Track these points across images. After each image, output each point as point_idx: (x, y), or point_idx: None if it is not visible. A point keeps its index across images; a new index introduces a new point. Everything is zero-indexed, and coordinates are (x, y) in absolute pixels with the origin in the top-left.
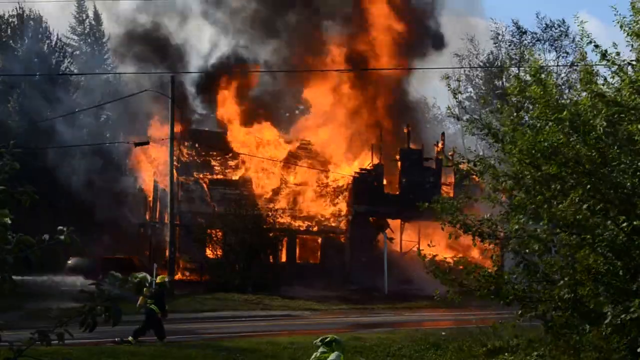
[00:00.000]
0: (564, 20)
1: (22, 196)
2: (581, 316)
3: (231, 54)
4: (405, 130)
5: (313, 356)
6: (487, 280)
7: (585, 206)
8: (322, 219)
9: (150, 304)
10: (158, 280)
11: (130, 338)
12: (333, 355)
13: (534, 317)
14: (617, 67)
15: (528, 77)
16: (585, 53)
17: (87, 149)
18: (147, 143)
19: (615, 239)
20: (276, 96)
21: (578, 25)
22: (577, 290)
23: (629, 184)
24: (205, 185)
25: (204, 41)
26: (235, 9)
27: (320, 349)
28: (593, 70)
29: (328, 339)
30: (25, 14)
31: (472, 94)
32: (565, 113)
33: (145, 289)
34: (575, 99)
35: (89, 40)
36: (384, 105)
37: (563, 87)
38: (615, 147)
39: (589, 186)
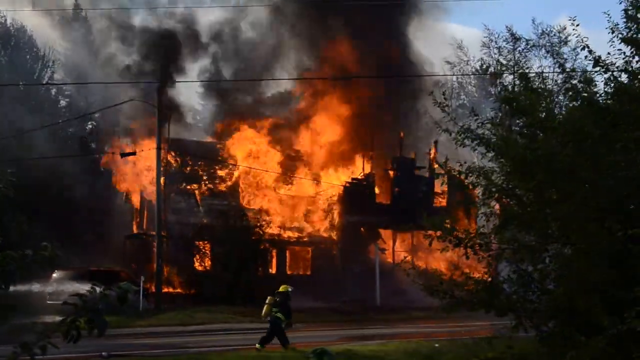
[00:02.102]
0: (564, 27)
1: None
2: (577, 327)
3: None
4: (401, 135)
5: None
6: (481, 292)
7: (580, 214)
8: (313, 229)
9: (276, 312)
10: (282, 289)
11: (257, 345)
12: None
13: (528, 329)
14: (610, 74)
15: (519, 85)
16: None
17: (73, 159)
18: (133, 153)
19: (612, 248)
20: (266, 103)
21: (573, 30)
22: (573, 300)
23: (624, 192)
24: (194, 196)
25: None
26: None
27: None
28: (588, 77)
29: (319, 350)
30: (8, 23)
31: (465, 101)
32: (556, 122)
33: (269, 297)
34: (569, 105)
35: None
36: (375, 113)
37: (559, 93)
38: (611, 155)
39: (583, 194)
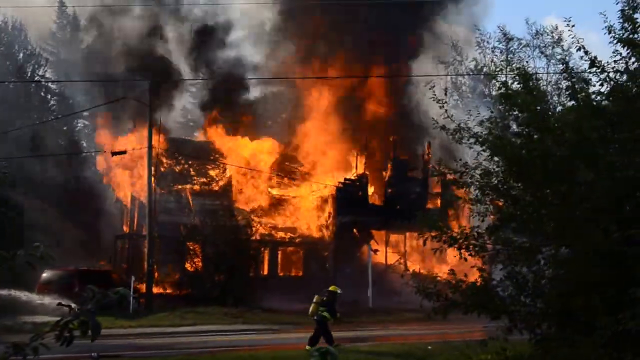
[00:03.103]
0: (556, 27)
1: None
2: (572, 328)
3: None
4: (392, 139)
5: None
6: (474, 294)
7: (576, 215)
8: (305, 230)
9: (323, 312)
10: (331, 289)
11: (307, 347)
12: None
13: (522, 331)
14: (606, 74)
15: (515, 85)
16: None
17: (63, 158)
18: (124, 152)
19: (608, 249)
20: (262, 104)
21: (568, 30)
22: (569, 301)
23: (621, 192)
24: (185, 196)
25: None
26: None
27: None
28: (585, 78)
29: (323, 350)
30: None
31: (458, 102)
32: (552, 122)
33: (317, 296)
34: (565, 105)
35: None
36: (369, 113)
37: (553, 94)
38: (607, 156)
39: (580, 195)
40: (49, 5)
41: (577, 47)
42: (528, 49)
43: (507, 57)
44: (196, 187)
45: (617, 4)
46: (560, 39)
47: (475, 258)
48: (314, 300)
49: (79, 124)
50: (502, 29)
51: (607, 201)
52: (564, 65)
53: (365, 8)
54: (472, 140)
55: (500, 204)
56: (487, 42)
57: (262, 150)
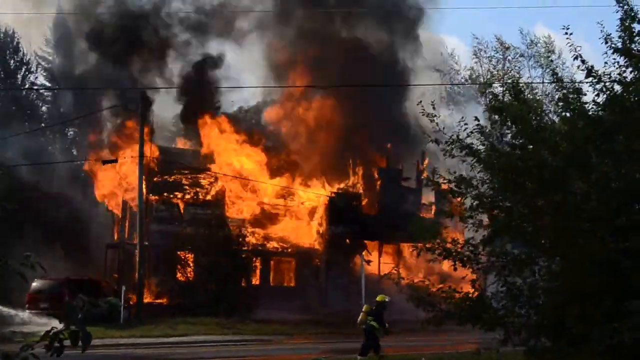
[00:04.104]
0: (549, 36)
1: None
2: (567, 340)
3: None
4: (389, 146)
5: None
6: (469, 305)
7: (571, 226)
8: (297, 240)
9: (371, 321)
10: (379, 298)
11: (359, 358)
12: None
13: (517, 343)
14: (602, 84)
15: (508, 96)
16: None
17: (53, 166)
18: (115, 161)
19: (603, 260)
20: (253, 112)
21: (566, 38)
22: (563, 313)
23: (615, 203)
24: (177, 205)
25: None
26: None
27: None
28: (578, 88)
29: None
30: None
31: (453, 112)
32: (547, 132)
33: (366, 306)
34: (560, 115)
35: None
36: (363, 123)
37: (548, 104)
38: (602, 167)
39: (574, 206)
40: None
41: (574, 56)
42: (523, 58)
43: (503, 66)
44: (188, 196)
45: (616, 12)
46: (553, 50)
47: (469, 269)
48: (363, 309)
49: (70, 132)
50: (499, 38)
51: (601, 211)
52: (554, 75)
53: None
54: (464, 152)
55: (495, 214)
56: (484, 51)
57: (255, 160)
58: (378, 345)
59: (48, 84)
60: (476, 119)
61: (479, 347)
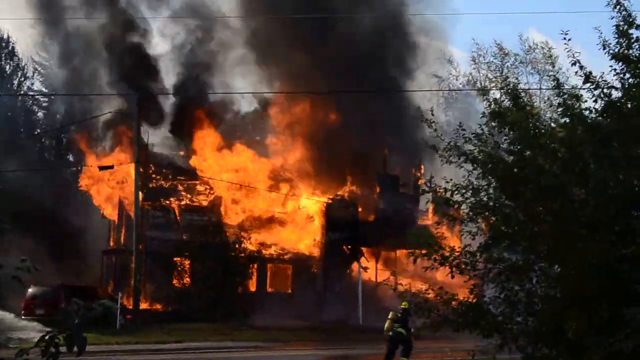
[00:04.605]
0: (547, 42)
1: None
2: (564, 348)
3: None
4: (386, 152)
5: None
6: (466, 311)
7: (569, 232)
8: (294, 246)
9: (398, 328)
10: (403, 305)
11: None
12: None
13: (514, 350)
14: (600, 90)
15: (506, 102)
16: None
17: (49, 172)
18: (111, 167)
19: (600, 267)
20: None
21: (565, 45)
22: (561, 319)
23: (613, 210)
24: (173, 211)
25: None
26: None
27: None
28: (576, 94)
29: None
30: None
31: (450, 118)
32: (544, 139)
33: (392, 313)
34: (556, 120)
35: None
36: (361, 128)
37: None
38: (600, 173)
39: (572, 212)
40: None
41: (572, 62)
42: (521, 64)
43: (502, 72)
44: (184, 202)
45: (611, 19)
46: (551, 55)
47: (466, 276)
48: (389, 317)
49: (65, 138)
50: (498, 44)
51: (600, 217)
52: (555, 81)
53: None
54: (462, 158)
55: (492, 221)
56: (483, 57)
57: (251, 166)
58: (409, 348)
59: (44, 90)
60: (480, 126)
61: (474, 352)
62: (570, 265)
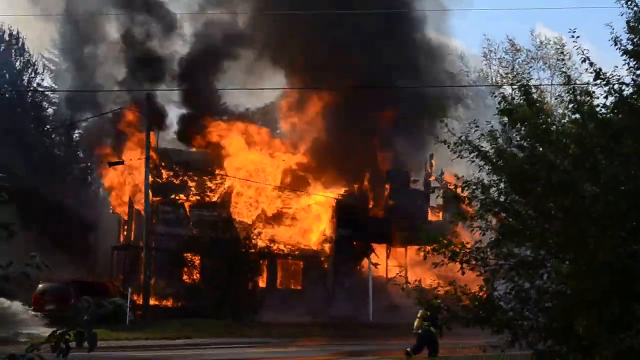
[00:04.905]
0: (560, 38)
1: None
2: (575, 345)
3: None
4: (397, 148)
5: None
6: (477, 307)
7: (579, 230)
8: (305, 242)
9: (427, 326)
10: (434, 302)
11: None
12: None
13: (524, 346)
14: (611, 86)
15: (517, 98)
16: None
17: (60, 168)
18: (121, 162)
19: (611, 264)
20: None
21: (573, 42)
22: (570, 318)
23: (624, 206)
24: (183, 207)
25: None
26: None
27: None
28: (587, 90)
29: None
30: None
31: (461, 114)
32: (554, 135)
33: (421, 312)
34: (567, 117)
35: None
36: (371, 125)
37: (557, 106)
38: (611, 169)
39: (583, 209)
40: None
41: (582, 59)
42: (533, 60)
43: (513, 68)
44: (193, 198)
45: (621, 15)
46: (562, 52)
47: (476, 272)
48: (418, 315)
49: (76, 135)
50: (510, 39)
51: (611, 214)
52: (566, 77)
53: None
54: (473, 154)
55: (502, 217)
56: (494, 52)
57: (262, 162)
58: (436, 348)
59: (55, 86)
60: (489, 122)
61: (484, 347)
62: (580, 262)
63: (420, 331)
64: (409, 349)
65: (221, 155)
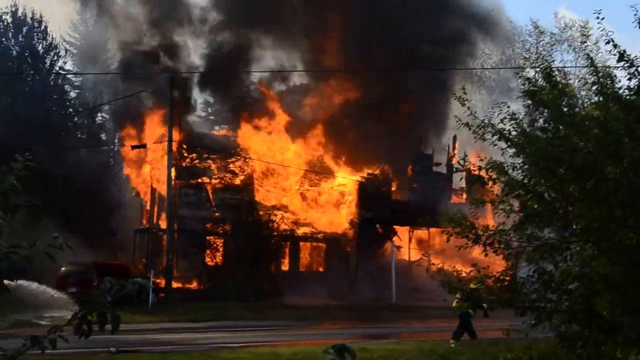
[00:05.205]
0: (587, 22)
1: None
2: (597, 327)
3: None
4: (420, 131)
5: None
6: (500, 290)
7: (602, 213)
8: (327, 225)
9: (466, 308)
10: (472, 285)
11: (451, 341)
12: None
13: (547, 329)
14: (635, 68)
15: (540, 81)
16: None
17: (83, 152)
18: (144, 146)
19: (636, 247)
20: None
21: (598, 24)
22: (593, 300)
23: None
24: (206, 190)
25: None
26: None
27: (330, 357)
28: (610, 73)
29: (339, 346)
30: (20, 12)
31: (484, 96)
32: (579, 117)
33: (460, 293)
34: (593, 99)
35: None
36: (393, 107)
37: (580, 89)
38: (635, 152)
39: (606, 192)
40: None
41: (606, 41)
42: (557, 43)
43: (537, 50)
44: (216, 181)
45: None
46: (588, 35)
47: (500, 254)
48: (457, 296)
49: (99, 118)
50: (534, 22)
51: (633, 197)
52: (589, 59)
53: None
54: (496, 136)
55: (525, 200)
56: (518, 35)
57: (285, 144)
58: (473, 330)
59: (76, 69)
60: (508, 105)
61: (508, 330)
62: (604, 245)
63: (459, 312)
64: (450, 341)
65: (244, 138)
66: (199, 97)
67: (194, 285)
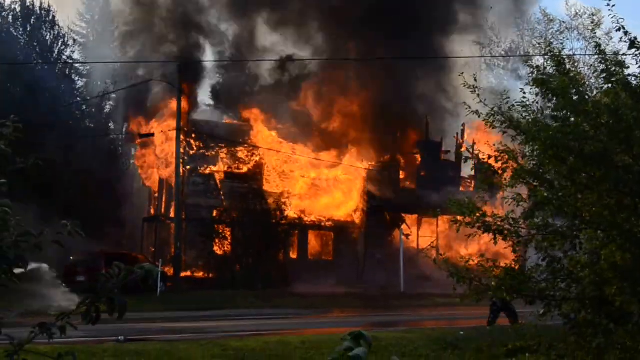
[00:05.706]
0: (599, 10)
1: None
2: (607, 315)
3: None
4: (426, 123)
5: (336, 350)
6: (509, 278)
7: (612, 201)
8: (336, 213)
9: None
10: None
11: (488, 328)
12: (358, 351)
13: (557, 317)
14: None
15: (550, 68)
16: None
17: (90, 140)
18: (152, 135)
19: None
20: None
21: (609, 10)
22: (603, 288)
23: None
24: (214, 178)
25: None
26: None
27: (346, 343)
28: (620, 60)
29: (356, 333)
30: (28, 1)
31: (493, 84)
32: (589, 105)
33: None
34: (603, 87)
35: (97, 29)
36: (402, 95)
37: (591, 77)
38: None
39: (615, 180)
40: None
41: (617, 28)
42: (567, 30)
43: (545, 38)
44: (223, 169)
45: None
46: (599, 22)
47: (509, 242)
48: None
49: (107, 107)
50: (543, 10)
51: None
52: (597, 47)
53: None
54: (505, 124)
55: (535, 187)
56: (527, 23)
57: (294, 133)
58: (514, 313)
59: (84, 59)
60: (522, 90)
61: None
62: (614, 233)
63: (494, 299)
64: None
65: (252, 126)
66: (208, 86)
67: (202, 274)
